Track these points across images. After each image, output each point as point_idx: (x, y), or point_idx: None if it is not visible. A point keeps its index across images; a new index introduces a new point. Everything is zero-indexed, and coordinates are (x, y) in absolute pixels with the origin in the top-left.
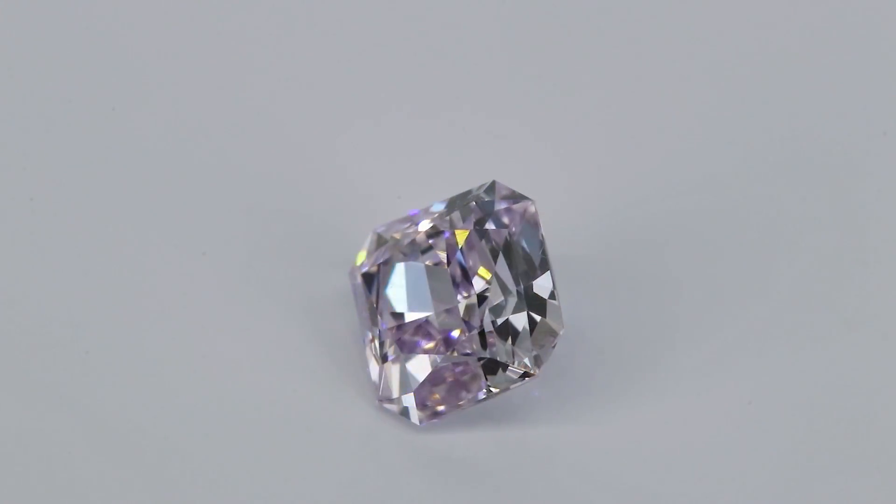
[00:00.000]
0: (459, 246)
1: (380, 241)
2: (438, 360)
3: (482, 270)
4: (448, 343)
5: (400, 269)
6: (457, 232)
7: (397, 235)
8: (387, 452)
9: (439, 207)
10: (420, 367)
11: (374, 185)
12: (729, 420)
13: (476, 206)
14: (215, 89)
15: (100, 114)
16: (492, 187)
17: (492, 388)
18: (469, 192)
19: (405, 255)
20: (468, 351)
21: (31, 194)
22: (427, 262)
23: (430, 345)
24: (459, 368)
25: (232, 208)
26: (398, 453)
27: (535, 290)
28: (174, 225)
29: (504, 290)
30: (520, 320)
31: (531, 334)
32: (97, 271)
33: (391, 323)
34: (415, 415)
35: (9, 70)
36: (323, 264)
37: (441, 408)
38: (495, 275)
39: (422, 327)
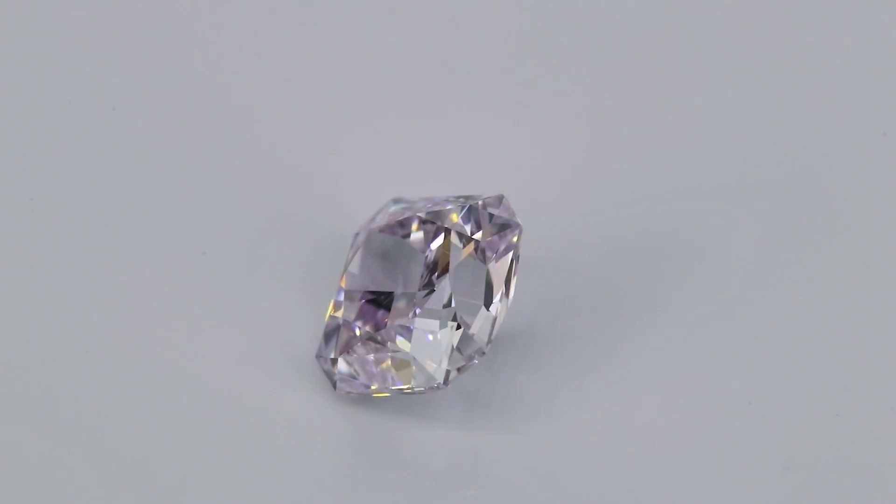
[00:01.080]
0: (443, 242)
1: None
2: (379, 338)
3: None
4: (393, 324)
5: (383, 240)
6: (448, 229)
7: (400, 210)
8: (304, 420)
9: (446, 201)
10: (361, 338)
11: (374, 185)
12: (690, 427)
13: (476, 212)
14: (216, 89)
15: (100, 114)
16: (497, 200)
17: (412, 386)
18: (476, 196)
19: (395, 230)
20: (406, 339)
21: (31, 194)
22: (410, 244)
23: (380, 320)
24: (392, 353)
25: (232, 209)
26: (318, 423)
27: (490, 309)
28: (174, 225)
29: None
30: (460, 331)
31: (465, 347)
32: (97, 271)
33: (353, 287)
34: (337, 380)
35: (9, 70)
36: (322, 265)
37: (365, 383)
38: (463, 281)
39: (378, 302)
